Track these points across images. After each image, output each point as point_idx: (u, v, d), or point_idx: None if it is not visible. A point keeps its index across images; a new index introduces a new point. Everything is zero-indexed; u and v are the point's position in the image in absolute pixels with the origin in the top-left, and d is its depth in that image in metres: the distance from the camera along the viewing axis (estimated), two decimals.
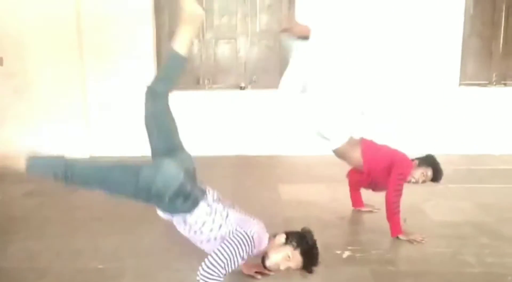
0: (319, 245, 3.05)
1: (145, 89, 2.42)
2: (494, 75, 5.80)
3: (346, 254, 2.95)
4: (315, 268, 2.38)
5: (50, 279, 2.63)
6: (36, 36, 5.39)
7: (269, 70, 5.77)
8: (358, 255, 2.93)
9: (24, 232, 3.32)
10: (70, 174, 2.25)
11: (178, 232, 3.28)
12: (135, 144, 5.60)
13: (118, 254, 2.96)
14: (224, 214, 2.38)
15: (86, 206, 3.77)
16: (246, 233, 2.26)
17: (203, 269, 2.20)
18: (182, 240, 3.13)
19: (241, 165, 5.27)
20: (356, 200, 3.74)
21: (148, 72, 5.50)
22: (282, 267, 2.32)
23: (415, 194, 4.12)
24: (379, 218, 3.55)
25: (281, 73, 5.93)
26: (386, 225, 3.22)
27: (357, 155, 3.38)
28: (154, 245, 3.10)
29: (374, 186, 3.49)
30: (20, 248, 3.05)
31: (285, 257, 2.32)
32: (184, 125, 5.57)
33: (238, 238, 2.24)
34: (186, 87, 5.71)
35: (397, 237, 3.15)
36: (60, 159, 2.32)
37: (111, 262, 2.83)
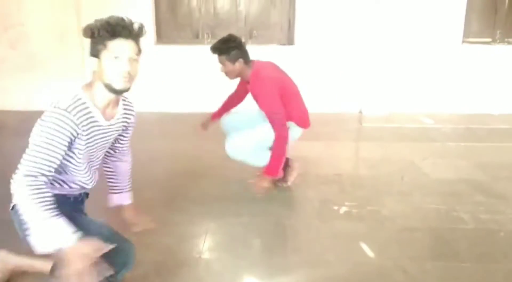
0: (317, 200, 3.12)
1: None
2: (498, 32, 5.70)
3: (343, 209, 3.00)
4: None
5: None
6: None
7: (270, 25, 5.66)
8: (355, 211, 2.98)
9: None
10: None
11: (177, 186, 3.35)
12: (131, 98, 5.60)
13: (118, 210, 2.99)
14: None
15: None
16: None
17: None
18: (181, 195, 3.20)
19: None
20: (219, 113, 3.67)
21: (145, 25, 5.40)
22: None
23: (413, 152, 4.16)
24: (377, 175, 3.59)
25: (282, 28, 5.92)
26: (383, 181, 3.25)
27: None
28: (153, 199, 3.14)
29: None
30: None
31: None
32: (183, 80, 5.60)
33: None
34: (185, 41, 5.63)
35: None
36: None
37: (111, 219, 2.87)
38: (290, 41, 5.61)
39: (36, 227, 1.55)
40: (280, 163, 3.07)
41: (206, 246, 2.56)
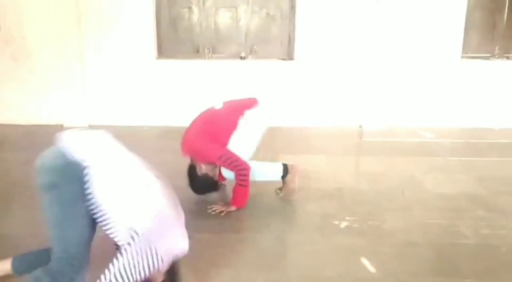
0: (318, 215, 3.11)
1: None
2: (497, 48, 5.73)
3: (344, 224, 2.98)
4: None
5: None
6: (34, 2, 5.30)
7: (270, 40, 5.70)
8: (356, 225, 2.97)
9: (25, 200, 3.34)
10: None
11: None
12: (132, 113, 5.61)
13: None
14: None
15: None
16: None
17: None
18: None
19: None
20: None
21: (146, 40, 5.45)
22: None
23: (413, 167, 4.16)
24: (378, 189, 3.58)
25: (282, 43, 5.96)
26: (384, 196, 3.25)
27: None
28: None
29: None
30: (21, 215, 3.08)
31: None
32: (183, 95, 5.61)
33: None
34: (185, 56, 5.65)
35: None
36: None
37: None
38: (290, 56, 5.64)
39: None
40: (247, 194, 3.12)
41: (205, 261, 2.54)
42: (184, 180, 3.71)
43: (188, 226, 2.72)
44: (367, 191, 3.61)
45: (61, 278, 1.81)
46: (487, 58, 5.74)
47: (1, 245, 2.14)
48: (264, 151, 4.62)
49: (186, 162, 3.77)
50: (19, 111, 5.52)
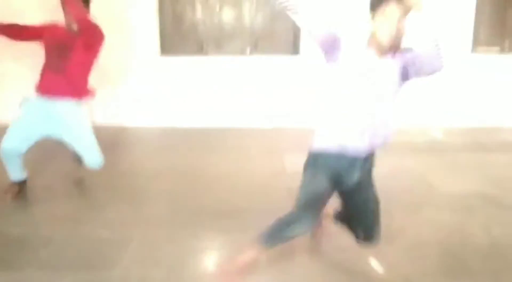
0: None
1: None
2: (507, 41, 5.64)
3: None
4: None
5: (54, 247, 2.63)
6: (36, 4, 5.26)
7: (275, 37, 5.63)
8: None
9: (28, 200, 3.32)
10: None
11: (181, 201, 3.29)
12: (136, 110, 5.57)
13: (123, 223, 2.95)
14: None
15: (90, 175, 3.73)
16: None
17: None
18: (186, 209, 3.15)
19: (247, 135, 5.18)
20: None
21: (150, 36, 5.40)
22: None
23: (423, 165, 4.09)
24: (386, 188, 3.51)
25: (286, 40, 5.88)
26: (393, 195, 3.19)
27: None
28: (158, 214, 3.09)
29: None
30: (24, 215, 3.06)
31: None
32: (187, 92, 5.56)
33: None
34: (189, 52, 5.60)
35: None
36: None
37: (116, 232, 2.82)
38: (295, 51, 5.57)
39: None
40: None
41: (211, 261, 2.50)
42: (186, 179, 3.69)
43: (195, 228, 2.67)
44: (377, 189, 3.55)
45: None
46: (497, 52, 5.64)
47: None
48: (271, 151, 4.59)
49: (186, 161, 3.72)
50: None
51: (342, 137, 2.10)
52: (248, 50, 5.62)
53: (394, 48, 2.06)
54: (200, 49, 5.64)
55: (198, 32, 5.62)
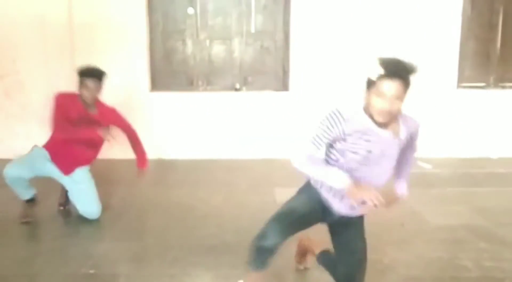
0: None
1: None
2: (491, 78, 5.77)
3: None
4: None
5: None
6: (27, 37, 5.31)
7: (265, 72, 5.71)
8: None
9: (14, 238, 3.26)
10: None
11: (172, 236, 3.25)
12: (125, 146, 5.55)
13: (110, 259, 2.89)
14: None
15: (75, 212, 3.66)
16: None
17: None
18: (175, 245, 3.10)
19: (236, 169, 5.19)
20: None
21: (140, 72, 5.45)
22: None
23: (412, 198, 4.08)
24: (376, 222, 3.50)
25: (276, 75, 5.97)
26: (383, 229, 3.17)
27: None
28: (146, 250, 3.04)
29: None
30: (10, 254, 2.99)
31: None
32: (178, 127, 5.57)
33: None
34: (179, 88, 5.64)
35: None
36: None
37: (103, 268, 2.77)
38: (284, 87, 5.64)
39: (325, 177, 2.08)
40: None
41: None
42: (176, 213, 3.65)
43: (185, 264, 2.63)
44: (366, 223, 3.52)
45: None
46: (482, 87, 5.76)
47: None
48: (260, 184, 4.58)
49: (176, 195, 3.69)
50: (11, 146, 5.46)
51: (328, 196, 2.22)
52: (237, 85, 5.68)
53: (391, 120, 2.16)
54: (190, 84, 5.69)
55: (188, 68, 5.69)
